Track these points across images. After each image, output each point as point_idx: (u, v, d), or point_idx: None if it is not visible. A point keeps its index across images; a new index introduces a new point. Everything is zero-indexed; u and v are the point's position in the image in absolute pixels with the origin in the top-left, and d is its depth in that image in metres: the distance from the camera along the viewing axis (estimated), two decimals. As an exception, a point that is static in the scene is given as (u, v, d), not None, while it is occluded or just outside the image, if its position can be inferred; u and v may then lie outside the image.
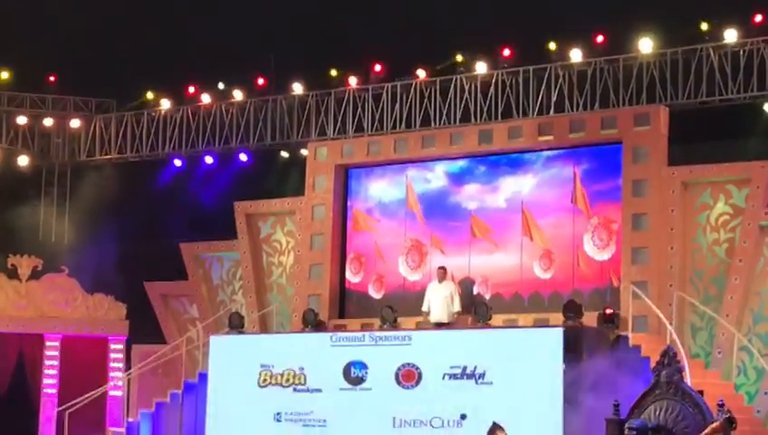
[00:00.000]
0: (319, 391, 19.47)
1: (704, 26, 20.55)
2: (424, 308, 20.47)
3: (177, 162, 25.41)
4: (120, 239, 24.82)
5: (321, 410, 19.37)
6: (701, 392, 13.55)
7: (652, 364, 14.64)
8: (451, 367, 18.34)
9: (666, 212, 19.68)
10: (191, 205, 24.63)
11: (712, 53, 20.34)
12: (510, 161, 21.40)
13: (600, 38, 21.30)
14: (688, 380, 15.36)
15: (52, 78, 26.40)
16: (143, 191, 25.81)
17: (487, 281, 21.13)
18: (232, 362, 20.45)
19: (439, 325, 20.07)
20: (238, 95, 24.79)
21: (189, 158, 25.28)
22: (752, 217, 19.07)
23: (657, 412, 12.79)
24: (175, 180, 25.51)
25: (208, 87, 25.05)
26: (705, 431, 11.92)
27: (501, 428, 12.00)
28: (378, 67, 23.43)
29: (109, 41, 24.56)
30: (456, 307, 20.24)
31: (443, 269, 20.58)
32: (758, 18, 19.98)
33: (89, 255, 24.13)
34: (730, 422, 11.77)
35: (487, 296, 20.90)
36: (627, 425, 12.45)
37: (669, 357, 13.10)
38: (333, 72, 24.10)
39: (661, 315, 18.44)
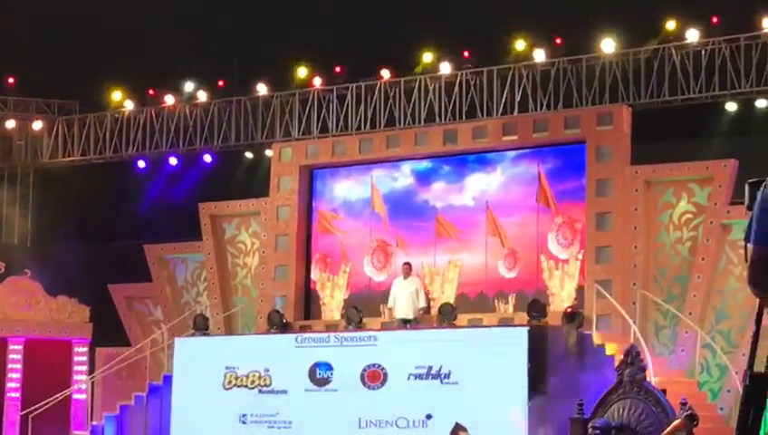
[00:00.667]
0: (284, 392, 19.43)
1: (667, 26, 20.65)
2: (389, 304, 20.47)
3: (141, 164, 25.29)
4: (83, 241, 24.69)
5: (287, 412, 19.33)
6: (664, 391, 13.66)
7: (616, 363, 14.73)
8: (416, 367, 18.34)
9: (629, 211, 19.76)
10: (155, 206, 24.51)
11: (674, 53, 20.45)
12: (475, 161, 21.44)
13: (558, 40, 21.38)
14: (652, 378, 15.46)
15: (11, 80, 26.22)
16: (107, 193, 25.68)
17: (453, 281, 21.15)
18: (197, 364, 20.37)
19: (404, 322, 20.08)
20: (202, 96, 24.71)
21: (153, 159, 25.17)
22: (714, 216, 19.17)
23: (621, 411, 12.89)
24: (139, 182, 25.39)
25: (172, 88, 24.94)
26: (668, 429, 11.99)
27: (463, 428, 12.03)
28: (339, 69, 23.41)
29: (71, 42, 24.41)
30: (422, 303, 20.24)
31: (408, 265, 20.59)
32: (715, 20, 20.11)
33: (52, 257, 23.99)
34: (692, 419, 11.84)
35: (452, 297, 20.92)
36: (590, 424, 12.53)
37: (632, 356, 13.19)
38: (298, 73, 24.06)
39: (625, 314, 18.51)
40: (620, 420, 12.64)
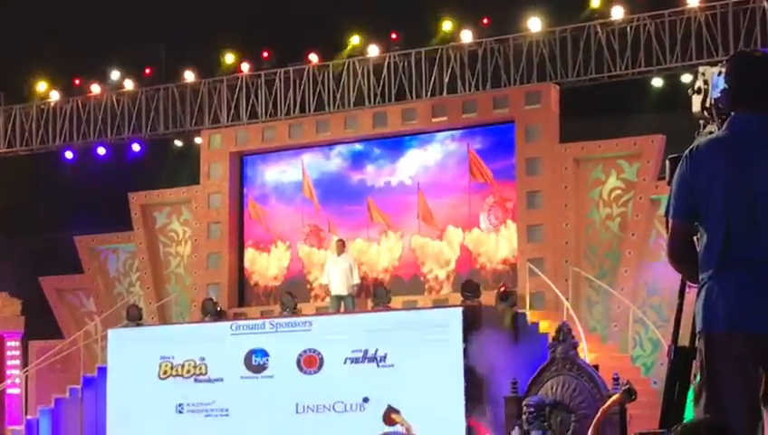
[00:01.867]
0: (220, 380, 19.34)
1: (592, 3, 20.72)
2: (323, 281, 20.45)
3: (69, 154, 24.98)
4: (12, 234, 24.38)
5: (224, 400, 19.24)
6: (596, 367, 13.76)
7: (549, 341, 14.81)
8: (352, 351, 18.33)
9: (559, 189, 19.87)
10: (85, 197, 24.23)
11: (600, 30, 20.53)
12: (405, 143, 21.44)
13: (485, 20, 21.40)
14: (585, 354, 15.58)
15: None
16: (35, 185, 25.36)
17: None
18: (131, 355, 20.21)
19: (339, 298, 20.04)
20: (129, 85, 24.44)
21: (81, 149, 24.85)
22: (643, 191, 19.33)
23: (555, 388, 12.96)
24: (67, 173, 25.08)
25: (98, 77, 24.64)
26: (606, 404, 12.05)
27: (396, 410, 12.02)
28: (266, 54, 23.27)
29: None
30: (356, 279, 20.22)
31: (341, 242, 20.55)
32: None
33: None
34: (629, 394, 11.89)
35: (386, 279, 20.94)
36: (524, 402, 12.58)
37: (564, 333, 13.28)
38: (225, 59, 23.88)
39: (557, 291, 18.64)
40: (554, 397, 12.71)
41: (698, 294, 4.86)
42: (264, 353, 19.02)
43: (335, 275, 20.23)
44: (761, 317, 4.67)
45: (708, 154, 4.81)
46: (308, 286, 21.65)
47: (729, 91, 4.90)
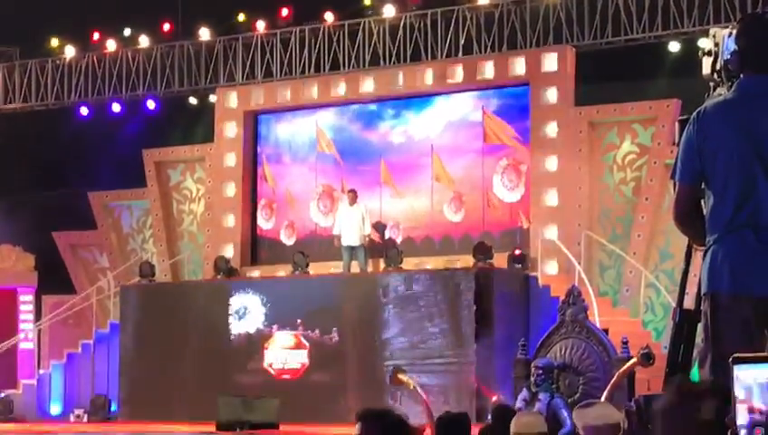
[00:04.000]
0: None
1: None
2: (335, 232, 20.41)
3: (84, 110, 24.98)
4: (26, 189, 24.44)
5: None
6: (606, 330, 13.75)
7: (560, 304, 14.80)
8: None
9: (573, 152, 19.81)
10: (99, 153, 24.25)
11: (618, -6, 20.38)
12: (419, 104, 21.38)
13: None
14: (596, 318, 15.58)
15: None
16: (50, 140, 25.38)
17: (398, 225, 21.14)
18: (143, 311, 20.33)
19: (351, 248, 20.01)
20: (144, 41, 24.38)
21: (96, 106, 24.86)
22: (657, 156, 19.26)
23: (563, 351, 12.96)
24: (82, 129, 25.09)
25: (113, 33, 24.60)
26: (623, 368, 12.07)
27: (402, 370, 12.04)
28: (285, 11, 23.19)
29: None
30: (367, 229, 20.20)
31: (353, 192, 20.50)
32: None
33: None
34: (647, 358, 11.92)
35: (398, 240, 20.94)
36: (533, 364, 12.59)
37: (574, 296, 13.26)
38: (241, 17, 23.80)
39: (569, 255, 18.63)
40: (563, 359, 12.72)
41: (704, 257, 4.85)
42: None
43: (347, 225, 20.16)
44: (766, 280, 4.67)
45: (715, 117, 4.79)
46: (319, 246, 21.64)
47: (738, 52, 4.87)
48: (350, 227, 20.11)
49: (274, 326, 19.30)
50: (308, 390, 18.56)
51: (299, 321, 19.00)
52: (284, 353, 19.18)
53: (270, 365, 19.29)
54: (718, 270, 4.74)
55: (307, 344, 19.06)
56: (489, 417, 11.21)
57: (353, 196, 20.42)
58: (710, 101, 4.94)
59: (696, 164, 4.80)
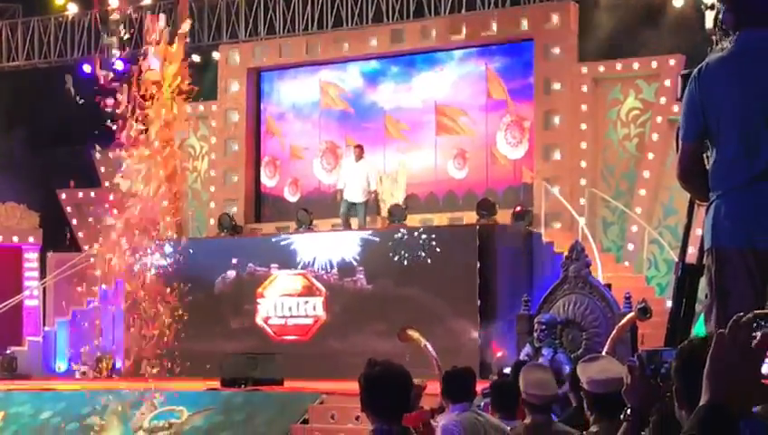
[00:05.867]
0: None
1: None
2: (338, 186, 20.28)
3: (87, 68, 24.89)
4: (30, 147, 24.41)
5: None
6: (609, 286, 13.79)
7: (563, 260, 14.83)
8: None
9: (577, 108, 19.79)
10: (102, 111, 24.17)
11: (621, -52, 20.27)
12: (423, 61, 21.33)
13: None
14: (599, 274, 15.62)
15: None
16: (53, 98, 25.32)
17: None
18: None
19: (352, 204, 19.89)
20: (147, -2, 24.27)
21: (99, 63, 24.75)
22: (661, 112, 19.24)
23: (566, 306, 13.01)
24: (85, 86, 25.02)
25: (116, -10, 24.46)
26: (622, 322, 12.13)
27: (410, 326, 12.09)
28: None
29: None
30: (373, 186, 20.04)
31: (359, 148, 20.28)
32: None
33: (-1, 163, 23.71)
34: (644, 312, 11.98)
35: (402, 197, 20.92)
36: (536, 319, 12.63)
37: (577, 252, 13.30)
38: (243, -27, 23.70)
39: (573, 211, 18.64)
40: (566, 315, 12.78)
41: (707, 212, 4.86)
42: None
43: (351, 180, 19.98)
44: (770, 233, 4.68)
45: (717, 72, 4.78)
46: (323, 203, 21.64)
47: (732, 8, 4.84)
48: (354, 182, 19.92)
49: (273, 265, 19.27)
50: (320, 351, 18.61)
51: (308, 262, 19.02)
52: (288, 303, 19.20)
53: (266, 321, 19.35)
54: (722, 224, 4.75)
55: (323, 289, 19.05)
56: (501, 371, 11.29)
57: (360, 151, 20.22)
58: (711, 56, 4.93)
59: (699, 120, 4.80)
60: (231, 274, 19.72)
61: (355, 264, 18.77)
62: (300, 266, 19.26)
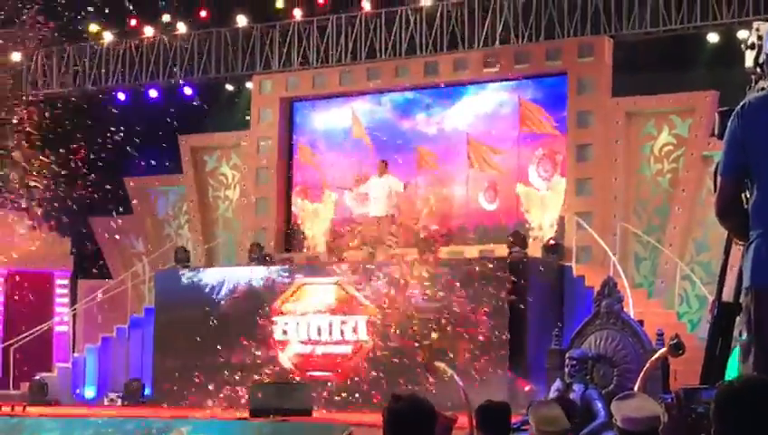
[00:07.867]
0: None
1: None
2: (360, 190, 20.33)
3: (121, 96, 25.09)
4: (63, 174, 24.53)
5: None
6: (641, 322, 13.69)
7: (595, 295, 14.73)
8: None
9: (610, 143, 19.75)
10: (135, 139, 24.33)
11: (656, -17, 20.26)
12: (456, 93, 21.35)
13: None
14: (630, 309, 15.52)
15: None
16: (86, 125, 25.48)
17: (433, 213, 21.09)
18: (178, 297, 20.39)
19: (377, 220, 19.85)
20: (182, 27, 24.44)
21: (133, 91, 24.96)
22: (695, 148, 19.18)
23: (598, 342, 12.90)
24: (119, 114, 25.18)
25: (150, 19, 24.67)
26: (654, 357, 12.02)
27: (438, 358, 12.05)
28: (319, 0, 23.20)
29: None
30: (394, 202, 19.99)
31: (384, 163, 20.33)
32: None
33: (33, 190, 23.82)
34: (677, 348, 11.86)
35: (433, 228, 20.87)
36: (568, 355, 12.53)
37: (610, 287, 13.19)
38: (278, 4, 23.83)
39: (604, 245, 18.57)
40: (597, 350, 12.66)
41: (747, 251, 4.81)
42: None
43: (377, 196, 19.95)
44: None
45: (759, 110, 4.74)
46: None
47: None
48: (380, 197, 19.89)
49: (298, 275, 19.27)
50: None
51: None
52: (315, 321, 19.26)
53: (282, 347, 19.36)
54: (762, 263, 4.69)
55: (366, 303, 19.04)
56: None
57: (384, 166, 20.22)
58: (754, 94, 4.90)
59: (739, 158, 4.76)
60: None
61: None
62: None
